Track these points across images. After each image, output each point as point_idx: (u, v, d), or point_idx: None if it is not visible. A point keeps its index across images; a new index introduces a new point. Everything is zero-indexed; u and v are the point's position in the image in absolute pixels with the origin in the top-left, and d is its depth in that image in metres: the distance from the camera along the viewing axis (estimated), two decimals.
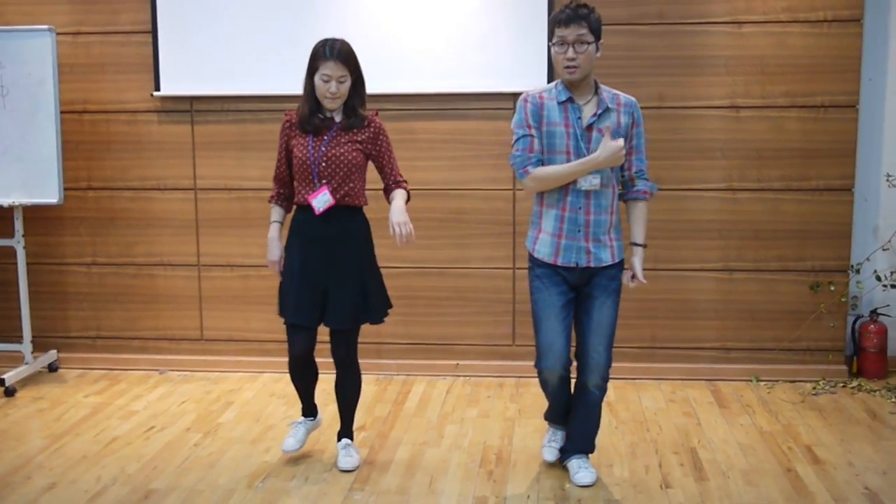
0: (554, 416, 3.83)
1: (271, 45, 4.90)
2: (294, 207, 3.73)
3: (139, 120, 5.08)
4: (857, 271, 4.90)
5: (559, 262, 3.48)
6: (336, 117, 3.63)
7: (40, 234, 5.15)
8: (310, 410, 3.96)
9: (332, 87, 3.53)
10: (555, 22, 3.37)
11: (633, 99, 3.52)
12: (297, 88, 4.95)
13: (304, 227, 3.66)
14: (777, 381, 4.86)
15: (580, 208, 3.44)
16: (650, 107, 4.78)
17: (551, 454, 3.78)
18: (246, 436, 4.15)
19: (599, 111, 3.42)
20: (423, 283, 5.03)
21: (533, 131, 3.44)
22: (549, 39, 3.42)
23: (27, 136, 4.81)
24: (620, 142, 3.37)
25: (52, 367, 5.20)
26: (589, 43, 3.34)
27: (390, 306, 3.80)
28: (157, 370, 5.14)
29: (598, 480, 3.62)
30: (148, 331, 5.23)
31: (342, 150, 3.59)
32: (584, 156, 3.39)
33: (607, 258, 3.49)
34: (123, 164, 5.11)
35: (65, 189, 4.90)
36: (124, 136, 5.10)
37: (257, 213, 5.00)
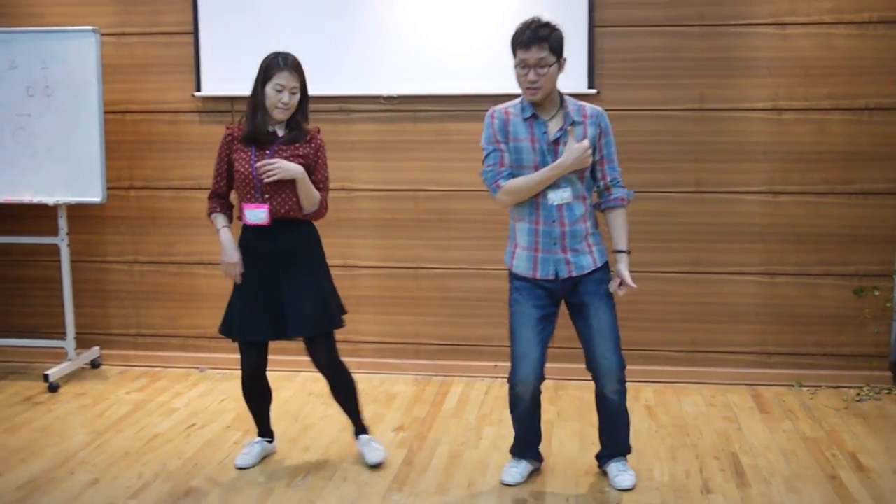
0: (520, 449, 3.73)
1: (310, 46, 4.90)
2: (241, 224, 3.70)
3: (181, 120, 5.13)
4: None
5: (538, 276, 3.46)
6: (279, 131, 3.64)
7: (83, 233, 5.22)
8: (266, 432, 3.96)
9: (285, 98, 3.55)
10: (515, 44, 3.35)
11: (600, 109, 3.49)
12: (336, 89, 5.00)
13: (253, 243, 3.65)
14: (820, 386, 4.80)
15: (554, 221, 3.42)
16: (690, 109, 4.75)
17: (511, 476, 3.65)
18: (285, 434, 4.17)
19: (566, 125, 3.40)
20: (461, 283, 5.03)
21: (502, 146, 3.44)
22: (513, 58, 3.39)
23: (71, 135, 4.88)
24: (585, 143, 3.35)
25: (95, 364, 5.26)
26: (550, 65, 3.32)
27: (345, 311, 3.83)
28: (197, 368, 5.18)
29: (638, 485, 3.60)
30: (188, 329, 5.28)
31: None
32: None
33: (588, 264, 3.47)
34: (165, 164, 5.16)
35: (108, 188, 4.96)
36: (166, 135, 5.15)
37: None
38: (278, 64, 3.56)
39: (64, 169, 4.89)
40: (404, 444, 4.07)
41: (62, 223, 4.99)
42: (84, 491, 3.60)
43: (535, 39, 3.29)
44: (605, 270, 3.52)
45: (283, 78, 3.54)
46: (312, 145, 3.66)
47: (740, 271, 4.85)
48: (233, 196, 3.76)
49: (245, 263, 3.65)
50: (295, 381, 4.96)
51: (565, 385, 4.78)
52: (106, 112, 4.93)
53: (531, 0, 4.74)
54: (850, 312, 4.80)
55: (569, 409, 4.49)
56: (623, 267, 3.48)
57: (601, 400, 3.62)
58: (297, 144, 3.63)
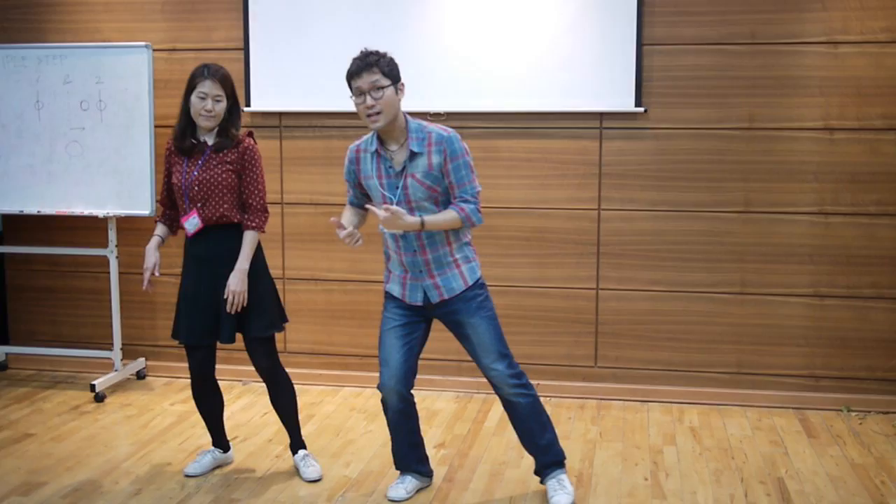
0: (397, 458, 3.73)
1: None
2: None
3: None
4: None
5: (408, 302, 3.52)
6: (209, 140, 3.71)
7: (132, 245, 5.28)
8: (219, 442, 3.98)
9: (208, 105, 3.62)
10: (348, 76, 3.37)
11: (448, 133, 3.42)
12: None
13: (192, 248, 3.76)
14: (869, 411, 4.70)
15: (415, 251, 3.45)
16: (740, 128, 4.70)
17: (396, 492, 3.66)
18: (326, 449, 4.18)
19: (407, 157, 3.39)
20: (504, 301, 5.01)
21: (348, 185, 3.59)
22: (350, 95, 3.39)
23: (122, 149, 4.96)
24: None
25: (140, 375, 5.32)
26: (384, 87, 3.31)
27: (286, 320, 3.90)
28: (240, 381, 5.22)
29: None
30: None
31: (213, 173, 3.66)
32: (401, 204, 3.38)
33: (459, 286, 3.49)
34: None
35: (157, 201, 5.01)
36: None
37: None
38: (202, 73, 3.65)
39: (114, 182, 4.97)
40: (445, 461, 4.06)
41: (112, 235, 5.07)
42: (128, 501, 3.63)
43: (364, 66, 3.32)
44: (474, 287, 3.52)
45: (205, 86, 3.62)
46: (239, 149, 3.71)
47: (789, 293, 4.78)
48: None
49: (187, 269, 3.77)
50: (337, 396, 4.97)
51: (608, 405, 4.73)
52: (157, 126, 5.00)
53: (580, 17, 4.74)
54: None
55: (612, 429, 4.44)
56: (407, 217, 3.32)
57: (508, 407, 3.64)
58: (226, 151, 3.70)
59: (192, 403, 4.82)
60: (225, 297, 3.65)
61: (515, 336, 5.01)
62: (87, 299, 5.44)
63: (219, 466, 3.98)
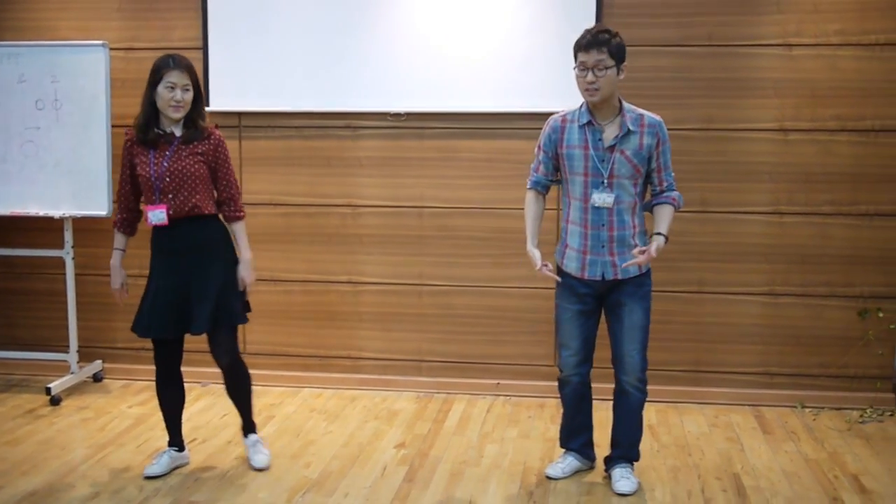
0: (563, 434, 3.94)
1: (318, 62, 4.94)
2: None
3: None
4: None
5: (586, 277, 3.60)
6: (176, 132, 3.71)
7: (89, 246, 5.22)
8: (176, 441, 3.99)
9: (178, 95, 3.63)
10: (577, 47, 3.49)
11: (658, 119, 3.59)
12: (343, 105, 5.00)
13: (161, 241, 3.76)
14: (823, 408, 4.78)
15: (603, 225, 3.56)
16: (698, 129, 4.76)
17: (553, 470, 3.87)
18: (286, 450, 4.17)
19: (621, 133, 3.49)
20: (464, 301, 5.03)
21: (541, 154, 3.68)
22: (574, 63, 3.51)
23: (79, 148, 4.90)
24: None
25: (97, 377, 5.26)
26: (609, 67, 3.43)
27: (249, 310, 3.93)
28: (199, 382, 5.17)
29: None
30: (191, 342, 5.21)
31: (185, 164, 3.68)
32: (603, 177, 3.50)
33: (634, 270, 3.60)
34: None
35: (114, 202, 4.97)
36: None
37: (302, 228, 5.05)
38: (168, 63, 3.64)
39: (71, 182, 4.91)
40: (405, 460, 4.06)
41: (68, 236, 5.00)
42: None
43: (595, 42, 3.42)
44: (647, 276, 3.66)
45: (174, 76, 3.62)
46: (211, 142, 3.74)
47: (745, 291, 4.84)
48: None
49: (156, 263, 3.76)
50: (297, 397, 4.96)
51: None
52: (114, 126, 4.95)
53: (539, 18, 4.78)
54: (855, 334, 4.79)
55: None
56: (654, 244, 3.55)
57: (621, 396, 3.76)
58: (196, 143, 3.71)
59: (151, 406, 4.81)
60: (242, 288, 3.77)
61: (475, 336, 5.04)
62: (42, 301, 5.36)
63: (178, 467, 3.96)
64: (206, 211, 3.73)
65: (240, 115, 5.07)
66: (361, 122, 4.99)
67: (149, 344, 5.21)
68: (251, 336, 5.20)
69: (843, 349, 4.81)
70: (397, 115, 4.94)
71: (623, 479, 3.71)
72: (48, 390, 4.84)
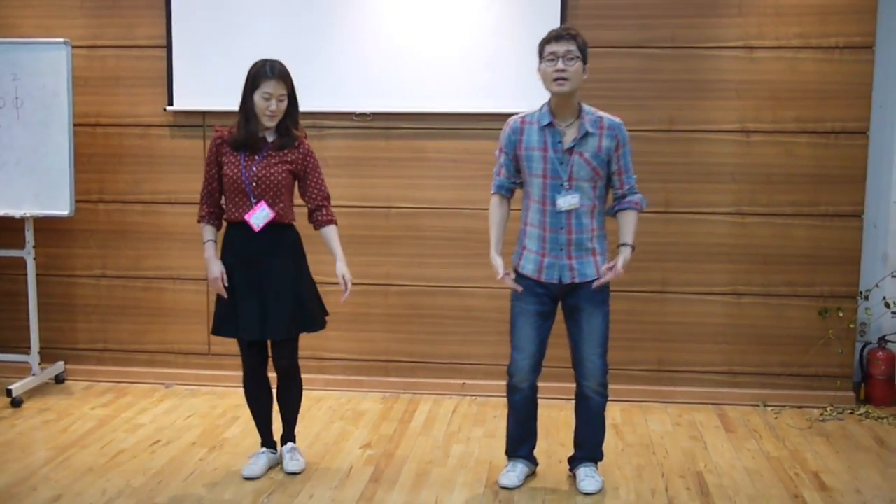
0: (511, 444, 3.86)
1: (283, 61, 4.90)
2: (225, 225, 3.78)
3: (152, 134, 5.11)
4: (866, 298, 4.89)
5: (543, 279, 3.60)
6: (268, 137, 3.71)
7: (51, 246, 5.17)
8: (269, 441, 3.99)
9: (273, 105, 3.62)
10: (545, 41, 3.52)
11: (618, 120, 3.60)
12: (309, 105, 4.98)
13: (236, 244, 3.73)
14: (784, 406, 4.84)
15: (561, 228, 3.56)
16: (660, 130, 4.80)
17: (509, 479, 3.77)
18: (251, 451, 4.14)
19: (580, 135, 3.51)
20: (431, 301, 5.04)
21: (502, 157, 3.67)
22: (540, 60, 3.53)
23: (40, 147, 4.84)
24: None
25: (59, 379, 5.20)
26: (577, 58, 3.46)
27: (327, 313, 3.91)
28: (163, 384, 5.14)
29: (604, 503, 3.61)
30: (155, 344, 5.24)
31: (273, 171, 3.67)
32: (562, 179, 3.51)
33: (591, 273, 3.61)
34: (135, 178, 5.14)
35: (76, 201, 4.92)
36: (136, 149, 5.12)
37: None
38: (265, 73, 3.61)
39: (32, 181, 4.85)
40: (371, 461, 4.06)
41: (29, 236, 4.94)
42: None
43: (564, 36, 3.48)
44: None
45: (270, 86, 3.61)
46: (300, 151, 3.74)
47: (707, 291, 4.89)
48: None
49: (233, 267, 3.72)
50: None
51: None
52: (76, 125, 4.91)
53: (504, 19, 4.80)
54: (815, 333, 4.86)
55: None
56: (621, 257, 3.59)
57: (583, 401, 3.76)
58: (286, 150, 3.70)
59: (114, 407, 4.78)
60: (344, 288, 3.74)
61: (442, 337, 5.05)
62: (3, 302, 5.29)
63: (272, 467, 3.95)
64: (286, 219, 3.73)
65: (204, 114, 5.04)
66: (327, 122, 4.98)
67: (111, 345, 5.24)
68: (216, 337, 5.15)
69: (804, 348, 4.87)
70: (363, 116, 4.93)
71: (588, 478, 3.73)
72: (9, 392, 4.78)
